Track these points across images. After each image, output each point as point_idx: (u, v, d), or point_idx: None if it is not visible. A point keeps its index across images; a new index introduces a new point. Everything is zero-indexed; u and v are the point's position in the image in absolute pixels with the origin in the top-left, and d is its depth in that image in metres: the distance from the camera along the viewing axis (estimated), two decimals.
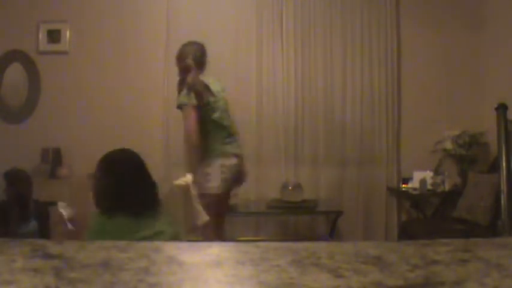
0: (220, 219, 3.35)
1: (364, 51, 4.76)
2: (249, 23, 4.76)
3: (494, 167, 3.65)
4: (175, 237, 2.11)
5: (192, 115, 3.14)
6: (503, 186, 2.38)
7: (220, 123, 3.27)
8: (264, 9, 4.76)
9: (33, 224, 3.24)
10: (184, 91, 3.18)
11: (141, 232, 1.99)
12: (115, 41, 4.85)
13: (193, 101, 3.15)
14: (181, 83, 3.26)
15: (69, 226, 3.35)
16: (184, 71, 3.24)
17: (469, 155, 4.43)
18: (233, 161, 3.24)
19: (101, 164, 2.14)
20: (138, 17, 4.83)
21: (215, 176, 3.17)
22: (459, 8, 4.79)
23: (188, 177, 3.20)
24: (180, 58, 3.28)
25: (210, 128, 3.23)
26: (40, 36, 4.83)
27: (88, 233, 2.06)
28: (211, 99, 3.22)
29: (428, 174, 4.43)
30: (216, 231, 3.19)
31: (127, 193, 2.06)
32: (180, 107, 3.20)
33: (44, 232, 3.29)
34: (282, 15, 4.77)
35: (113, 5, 4.86)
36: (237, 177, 3.33)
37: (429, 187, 4.39)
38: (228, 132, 3.31)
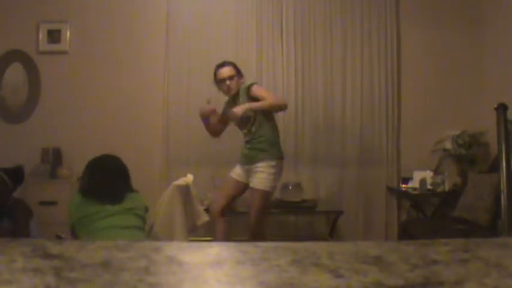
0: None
1: (364, 51, 4.76)
2: (249, 23, 4.76)
3: (494, 167, 3.65)
4: (145, 209, 2.70)
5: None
6: (503, 186, 2.37)
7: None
8: (264, 8, 4.76)
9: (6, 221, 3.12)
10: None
11: (109, 211, 2.53)
12: (115, 41, 4.85)
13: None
14: None
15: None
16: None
17: (469, 154, 4.43)
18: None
19: (86, 165, 2.73)
20: (138, 17, 4.83)
21: (277, 176, 3.40)
22: (459, 8, 4.80)
23: (189, 177, 3.20)
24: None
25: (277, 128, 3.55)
26: (40, 36, 4.83)
27: (69, 205, 2.67)
28: None
29: (428, 174, 4.43)
30: (265, 228, 3.57)
31: (99, 187, 2.62)
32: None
33: (21, 231, 3.17)
34: (282, 15, 4.77)
35: (112, 5, 4.86)
36: None
37: (429, 187, 4.39)
38: None
